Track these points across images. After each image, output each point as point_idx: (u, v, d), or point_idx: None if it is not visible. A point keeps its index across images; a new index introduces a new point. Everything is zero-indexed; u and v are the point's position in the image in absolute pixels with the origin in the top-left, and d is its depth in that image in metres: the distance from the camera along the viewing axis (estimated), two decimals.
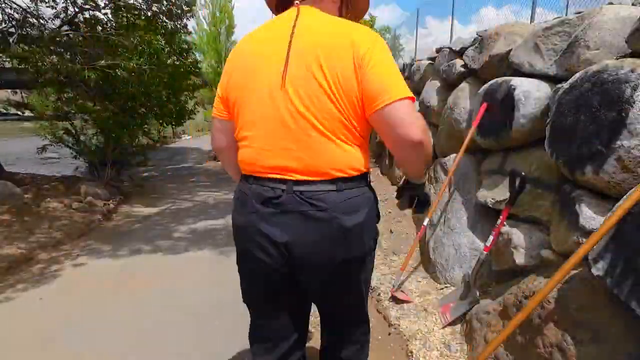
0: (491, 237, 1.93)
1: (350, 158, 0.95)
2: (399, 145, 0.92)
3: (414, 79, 4.90)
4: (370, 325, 1.34)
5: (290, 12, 0.98)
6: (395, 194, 1.29)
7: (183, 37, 7.16)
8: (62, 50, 5.06)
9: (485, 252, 1.96)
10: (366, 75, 0.88)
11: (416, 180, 1.16)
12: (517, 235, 1.90)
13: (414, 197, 1.26)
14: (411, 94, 0.90)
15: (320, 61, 0.89)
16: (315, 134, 0.91)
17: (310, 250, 0.96)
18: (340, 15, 1.07)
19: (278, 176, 0.95)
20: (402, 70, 5.60)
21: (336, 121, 0.91)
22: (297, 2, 0.99)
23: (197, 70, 7.91)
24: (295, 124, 0.92)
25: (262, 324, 1.16)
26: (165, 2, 5.92)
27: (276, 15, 1.07)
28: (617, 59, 1.62)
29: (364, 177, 0.99)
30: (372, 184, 1.07)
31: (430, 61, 4.59)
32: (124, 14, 5.74)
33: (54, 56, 4.83)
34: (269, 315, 1.13)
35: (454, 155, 2.77)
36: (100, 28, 5.65)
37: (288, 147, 0.93)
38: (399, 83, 0.89)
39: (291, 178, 0.93)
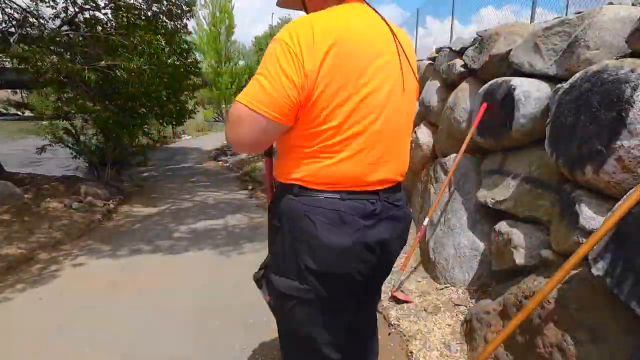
0: None
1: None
2: None
3: None
4: None
5: (362, 8, 0.90)
6: None
7: (183, 37, 7.16)
8: (62, 50, 5.06)
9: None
10: None
11: None
12: (517, 235, 1.90)
13: None
14: None
15: (410, 64, 0.95)
16: (404, 142, 1.00)
17: (397, 242, 1.03)
18: None
19: (372, 188, 0.92)
20: None
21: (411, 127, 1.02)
22: None
23: (197, 70, 7.92)
24: (399, 132, 0.96)
25: (339, 339, 1.04)
26: (165, 2, 5.93)
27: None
28: (617, 59, 1.62)
29: None
30: None
31: (430, 61, 4.58)
32: (124, 14, 5.75)
33: (54, 56, 4.82)
34: (343, 325, 1.05)
35: (454, 155, 2.77)
36: (100, 28, 5.66)
37: (385, 157, 0.92)
38: None
39: (380, 187, 0.93)
